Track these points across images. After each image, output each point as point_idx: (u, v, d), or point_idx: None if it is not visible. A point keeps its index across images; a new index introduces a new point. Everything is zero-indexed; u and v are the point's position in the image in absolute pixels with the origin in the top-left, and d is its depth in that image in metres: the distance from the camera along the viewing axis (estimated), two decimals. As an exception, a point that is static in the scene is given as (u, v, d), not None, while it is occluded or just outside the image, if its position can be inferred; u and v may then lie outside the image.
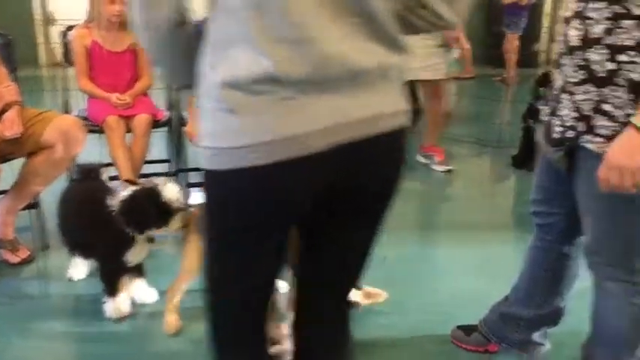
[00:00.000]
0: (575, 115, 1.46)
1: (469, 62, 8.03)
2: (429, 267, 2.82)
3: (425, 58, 3.74)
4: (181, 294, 2.17)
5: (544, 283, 1.89)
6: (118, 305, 2.28)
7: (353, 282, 1.33)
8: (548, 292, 1.90)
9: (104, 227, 2.14)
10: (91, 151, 3.08)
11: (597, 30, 1.37)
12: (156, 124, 3.25)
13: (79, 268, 2.56)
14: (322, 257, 1.24)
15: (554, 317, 1.96)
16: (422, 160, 4.27)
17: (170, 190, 2.10)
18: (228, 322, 1.22)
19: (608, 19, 1.35)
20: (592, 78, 1.41)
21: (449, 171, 4.19)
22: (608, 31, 1.35)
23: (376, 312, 2.24)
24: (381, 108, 1.06)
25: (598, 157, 1.41)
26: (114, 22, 3.17)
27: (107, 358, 2.08)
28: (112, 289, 2.28)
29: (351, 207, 1.15)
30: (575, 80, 1.45)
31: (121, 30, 3.21)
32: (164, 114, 3.36)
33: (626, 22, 1.33)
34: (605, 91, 1.39)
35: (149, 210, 2.07)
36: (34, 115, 2.62)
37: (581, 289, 1.81)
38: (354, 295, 2.20)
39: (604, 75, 1.38)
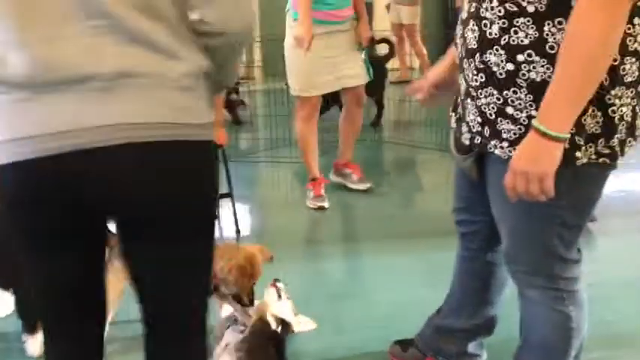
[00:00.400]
0: (480, 120, 1.40)
1: (427, 67, 8.07)
2: (368, 280, 2.76)
3: (345, 63, 3.45)
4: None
5: (473, 292, 1.84)
6: (40, 343, 2.15)
7: (182, 312, 1.22)
8: (479, 301, 1.84)
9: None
10: None
11: (493, 30, 1.32)
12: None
13: (2, 304, 2.43)
14: (136, 276, 1.19)
15: (487, 326, 1.90)
16: (336, 179, 3.89)
17: None
18: (39, 313, 1.23)
19: (501, 17, 1.30)
20: (493, 80, 1.35)
21: (367, 190, 3.80)
22: (504, 31, 1.30)
23: (309, 334, 2.15)
24: (123, 117, 1.00)
25: (506, 163, 1.35)
26: None
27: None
28: (32, 327, 2.16)
29: (130, 221, 1.10)
30: (477, 84, 1.39)
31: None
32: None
33: (520, 20, 1.28)
34: (507, 93, 1.33)
35: None
36: None
37: (512, 295, 1.76)
38: (289, 317, 2.13)
39: (504, 77, 1.33)
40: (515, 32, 1.29)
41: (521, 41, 1.29)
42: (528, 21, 1.27)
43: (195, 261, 1.15)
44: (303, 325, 2.16)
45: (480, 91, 1.39)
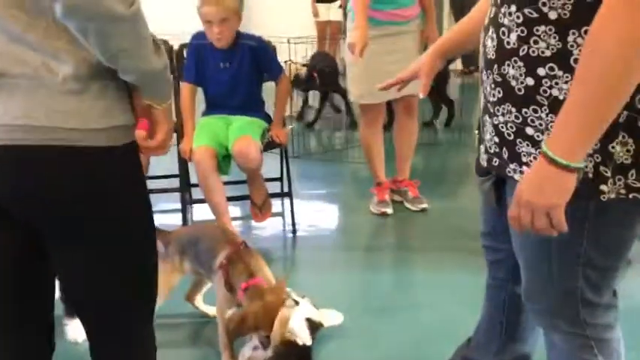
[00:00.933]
0: (497, 140, 1.25)
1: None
2: (414, 295, 2.61)
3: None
4: None
5: (501, 326, 1.66)
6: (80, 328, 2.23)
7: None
8: (508, 336, 1.67)
9: None
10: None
11: (512, 39, 1.17)
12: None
13: None
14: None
15: (519, 364, 1.73)
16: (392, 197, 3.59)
17: None
18: None
19: (519, 25, 1.14)
20: (511, 96, 1.19)
21: (423, 210, 3.50)
22: (522, 40, 1.15)
23: (339, 347, 2.07)
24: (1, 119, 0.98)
25: None
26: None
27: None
28: (72, 310, 2.23)
29: (24, 224, 1.09)
30: (494, 100, 1.24)
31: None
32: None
33: (541, 29, 1.11)
34: (527, 111, 1.17)
35: None
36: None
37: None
38: (314, 315, 2.09)
39: (523, 93, 1.17)
40: (536, 42, 1.13)
41: (542, 52, 1.12)
42: (550, 30, 1.10)
43: (97, 266, 1.12)
44: (331, 319, 2.12)
45: (497, 107, 1.24)
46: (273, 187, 3.43)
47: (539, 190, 1.08)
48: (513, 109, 1.19)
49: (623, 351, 1.38)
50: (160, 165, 3.56)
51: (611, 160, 1.10)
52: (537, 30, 1.12)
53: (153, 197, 3.52)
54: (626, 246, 1.22)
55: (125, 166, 1.13)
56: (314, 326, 2.12)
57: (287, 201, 3.35)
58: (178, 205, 3.25)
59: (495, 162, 1.27)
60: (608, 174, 1.10)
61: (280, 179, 3.51)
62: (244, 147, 2.82)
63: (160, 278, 1.91)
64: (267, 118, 3.17)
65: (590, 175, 1.11)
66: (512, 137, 1.21)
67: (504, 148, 1.23)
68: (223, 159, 2.94)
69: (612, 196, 1.12)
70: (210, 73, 3.01)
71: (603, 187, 1.11)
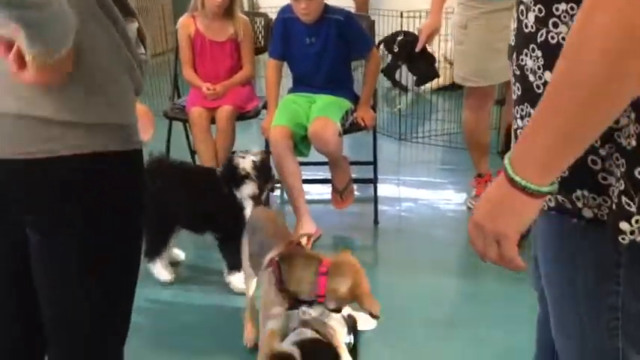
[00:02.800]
0: None
1: None
2: (484, 311, 2.30)
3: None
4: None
5: (548, 366, 1.37)
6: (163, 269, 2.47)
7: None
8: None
9: None
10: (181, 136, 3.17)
11: (529, 21, 0.88)
12: (242, 116, 3.18)
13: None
14: None
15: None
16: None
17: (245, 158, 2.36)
18: None
19: (537, 2, 0.86)
20: (529, 95, 0.92)
21: None
22: (540, 22, 0.86)
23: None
24: None
25: (549, 215, 0.93)
26: (217, 11, 3.14)
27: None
28: (157, 251, 2.42)
29: None
30: (515, 97, 0.97)
31: (224, 19, 3.18)
32: (258, 105, 3.27)
33: (561, 7, 0.82)
34: None
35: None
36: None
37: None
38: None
39: (542, 91, 0.89)
40: (555, 25, 0.84)
41: (563, 39, 0.83)
42: (572, 9, 0.81)
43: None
44: (365, 323, 1.98)
45: (517, 107, 0.96)
46: (366, 172, 3.22)
47: (493, 212, 0.84)
48: (532, 111, 0.91)
49: None
50: (245, 140, 3.54)
51: (639, 189, 0.80)
52: (557, 9, 0.83)
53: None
54: None
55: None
56: (354, 324, 1.97)
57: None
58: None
59: None
60: (633, 208, 0.80)
61: (373, 163, 3.28)
62: (320, 129, 2.66)
63: None
64: (356, 98, 2.98)
65: (606, 210, 0.83)
66: None
67: None
68: (302, 139, 2.81)
69: (639, 238, 0.81)
70: (295, 48, 2.88)
71: (624, 226, 0.81)
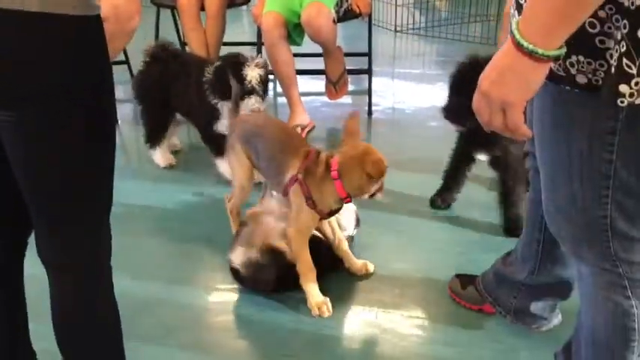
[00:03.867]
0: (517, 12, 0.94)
1: None
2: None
3: None
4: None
5: (537, 245, 1.40)
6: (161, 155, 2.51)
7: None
8: (546, 257, 1.41)
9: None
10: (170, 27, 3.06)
11: None
12: (233, 2, 3.06)
13: None
14: None
15: (560, 290, 1.48)
16: None
17: (251, 69, 2.17)
18: None
19: None
20: None
21: None
22: None
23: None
24: None
25: (550, 85, 0.92)
26: None
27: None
28: (157, 137, 2.46)
29: None
30: None
31: None
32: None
33: None
34: None
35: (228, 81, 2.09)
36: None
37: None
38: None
39: None
40: None
41: None
42: None
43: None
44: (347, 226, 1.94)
45: None
46: (361, 64, 3.14)
47: (499, 79, 0.83)
48: None
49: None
50: (236, 31, 3.42)
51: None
52: None
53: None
54: None
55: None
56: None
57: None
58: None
59: None
60: (634, 70, 0.78)
61: (368, 54, 3.20)
62: (313, 15, 2.57)
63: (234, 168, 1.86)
64: (351, -17, 2.85)
65: (602, 75, 0.81)
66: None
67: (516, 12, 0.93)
68: (295, 27, 2.72)
69: (638, 100, 0.80)
70: None
71: (623, 88, 0.79)
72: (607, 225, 0.99)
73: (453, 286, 1.74)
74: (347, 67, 2.98)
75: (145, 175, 2.49)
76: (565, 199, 1.01)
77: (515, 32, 0.78)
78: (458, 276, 1.75)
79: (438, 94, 3.31)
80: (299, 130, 2.70)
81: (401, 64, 3.82)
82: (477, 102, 0.87)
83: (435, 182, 2.21)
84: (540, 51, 0.77)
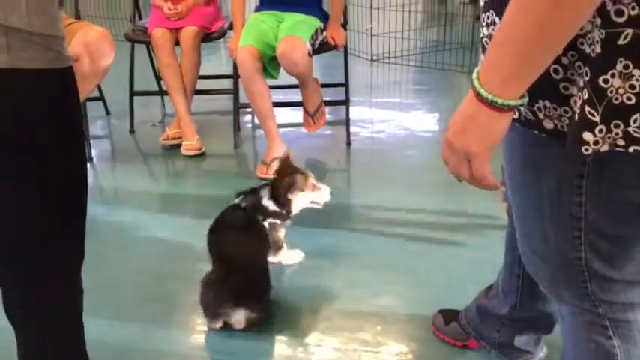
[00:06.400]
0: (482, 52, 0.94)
1: None
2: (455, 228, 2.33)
3: None
4: None
5: (518, 280, 1.39)
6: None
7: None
8: (527, 291, 1.40)
9: None
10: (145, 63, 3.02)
11: None
12: (208, 37, 3.06)
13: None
14: None
15: (544, 323, 1.46)
16: None
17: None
18: None
19: None
20: (495, 1, 0.87)
21: None
22: None
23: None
24: None
25: (522, 128, 0.91)
26: None
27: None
28: None
29: None
30: (482, 4, 0.92)
31: None
32: (224, 25, 3.14)
33: None
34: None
35: None
36: (65, 25, 2.56)
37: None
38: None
39: None
40: None
41: None
42: None
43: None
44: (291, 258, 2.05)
45: (483, 15, 0.92)
46: (338, 94, 3.15)
47: (462, 129, 0.81)
48: (497, 20, 0.87)
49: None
50: (213, 63, 3.42)
51: (603, 98, 0.77)
52: None
53: (206, 97, 3.47)
54: (638, 212, 0.89)
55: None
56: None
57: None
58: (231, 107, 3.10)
59: None
60: (596, 118, 0.77)
61: (345, 85, 3.20)
62: (288, 49, 2.57)
63: None
64: (326, 17, 2.87)
65: (566, 121, 0.81)
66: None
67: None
68: (271, 61, 2.71)
69: (603, 148, 0.79)
70: (261, -38, 2.74)
71: (587, 136, 0.78)
72: (583, 266, 0.97)
73: (437, 322, 1.71)
74: (324, 98, 2.98)
75: (121, 213, 2.44)
76: (538, 241, 1.00)
77: (475, 81, 0.77)
78: (441, 312, 1.72)
79: (416, 123, 3.33)
80: (276, 163, 2.68)
81: (378, 94, 3.84)
82: (443, 151, 0.86)
83: (416, 212, 2.20)
84: (500, 101, 0.75)
